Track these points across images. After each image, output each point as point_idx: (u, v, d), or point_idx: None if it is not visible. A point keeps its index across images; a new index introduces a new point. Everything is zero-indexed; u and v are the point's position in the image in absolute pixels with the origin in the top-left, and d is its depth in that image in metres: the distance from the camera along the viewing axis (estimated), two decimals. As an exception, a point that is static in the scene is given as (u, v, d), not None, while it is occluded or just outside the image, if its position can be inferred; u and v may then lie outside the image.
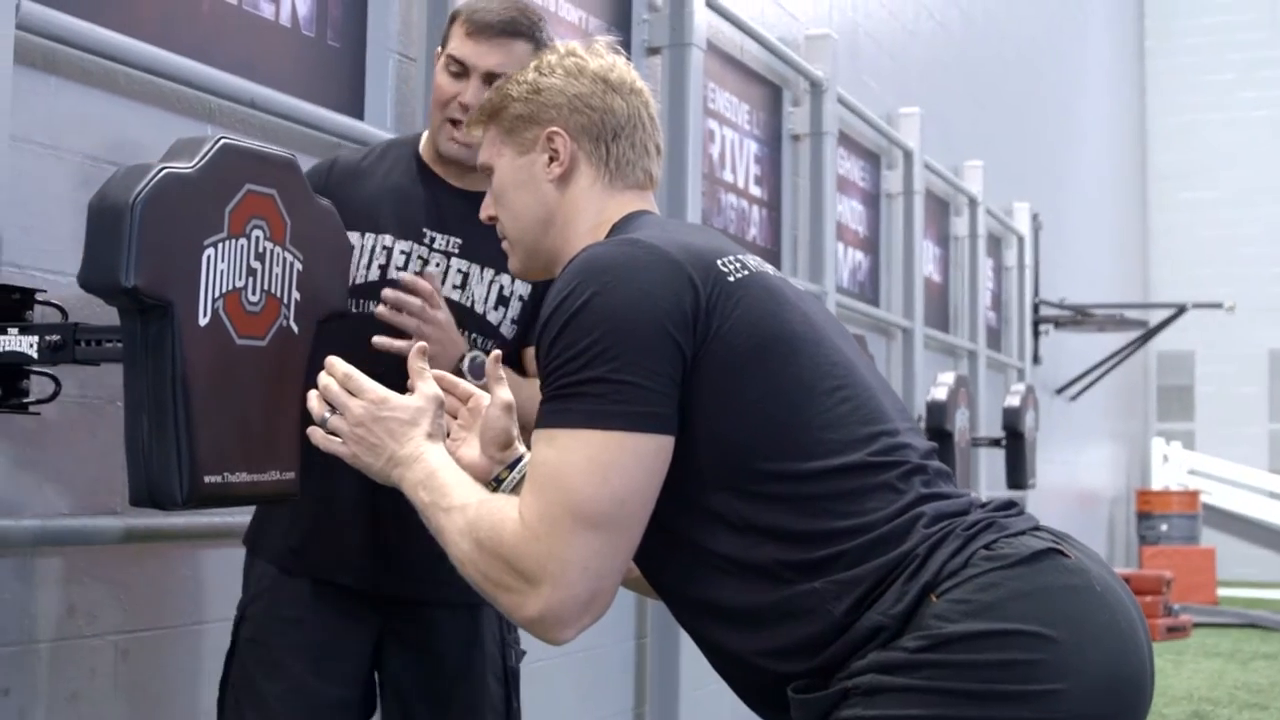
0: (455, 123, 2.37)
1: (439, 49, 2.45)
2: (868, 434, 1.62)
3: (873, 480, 1.59)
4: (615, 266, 1.60)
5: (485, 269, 2.41)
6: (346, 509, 2.35)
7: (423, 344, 1.90)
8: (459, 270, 2.41)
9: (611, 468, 1.55)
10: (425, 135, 2.50)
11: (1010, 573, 1.53)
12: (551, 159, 1.81)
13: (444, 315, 2.32)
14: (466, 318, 2.39)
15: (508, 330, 2.41)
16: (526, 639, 1.69)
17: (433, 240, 2.41)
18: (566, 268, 1.65)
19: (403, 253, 2.39)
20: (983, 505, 1.66)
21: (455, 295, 2.39)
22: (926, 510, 1.59)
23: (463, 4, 2.45)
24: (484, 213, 1.91)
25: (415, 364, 1.86)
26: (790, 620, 1.57)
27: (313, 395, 1.85)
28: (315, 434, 1.83)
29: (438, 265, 2.40)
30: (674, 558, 1.65)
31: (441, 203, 2.43)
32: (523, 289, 2.41)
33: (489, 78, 2.33)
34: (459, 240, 2.41)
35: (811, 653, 1.56)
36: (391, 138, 2.60)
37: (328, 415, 1.82)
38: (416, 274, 2.33)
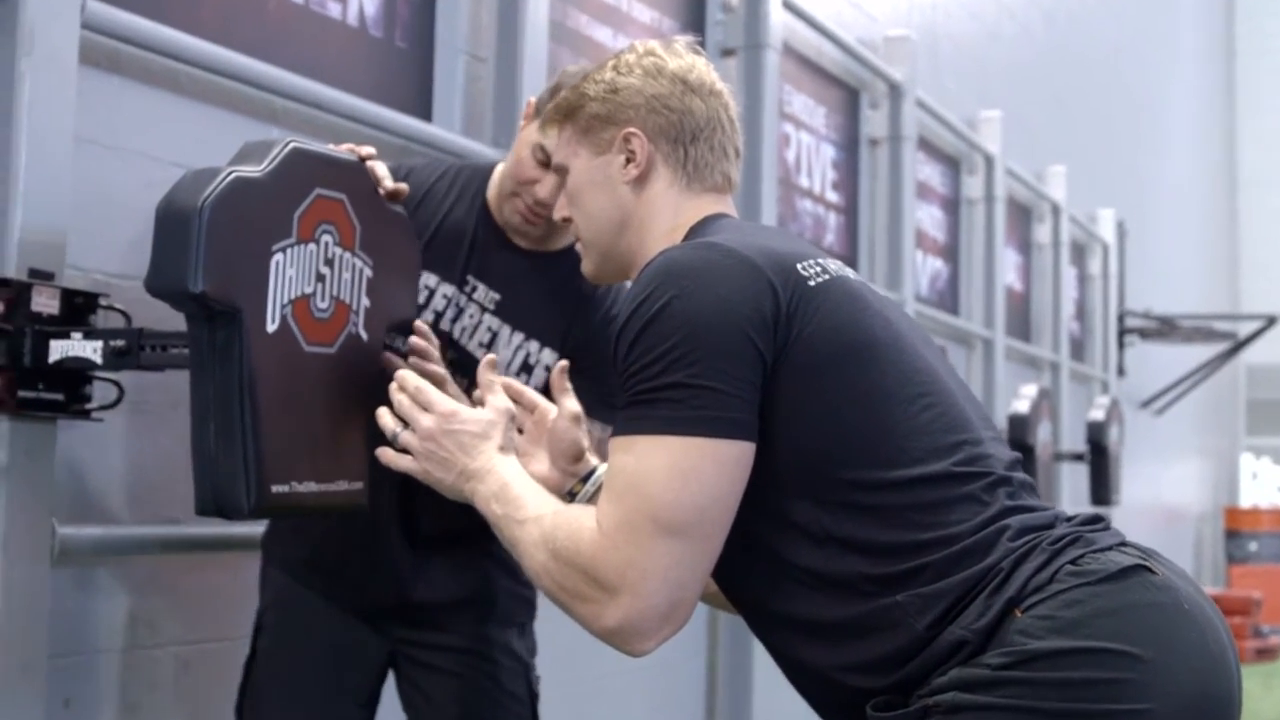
0: (528, 206, 2.29)
1: (531, 101, 2.33)
2: (951, 443, 1.59)
3: (957, 491, 1.56)
4: (694, 271, 1.57)
5: (515, 332, 2.36)
6: (353, 525, 2.30)
7: (491, 356, 1.88)
8: (489, 328, 2.35)
9: (692, 474, 1.52)
10: (497, 175, 2.38)
11: (1097, 589, 1.49)
12: (628, 160, 1.78)
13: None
14: None
15: None
16: (602, 651, 1.64)
17: (474, 289, 2.35)
18: (643, 272, 1.62)
19: (445, 297, 2.33)
20: (1069, 519, 1.63)
21: (479, 353, 2.30)
22: (1011, 523, 1.56)
23: (567, 78, 2.24)
24: (558, 213, 1.89)
25: (484, 377, 1.87)
26: (872, 634, 1.54)
27: (384, 412, 1.86)
28: (385, 453, 1.84)
29: (471, 318, 2.33)
30: (753, 570, 1.62)
31: (492, 253, 2.35)
32: (549, 358, 2.34)
33: None
34: (497, 296, 2.35)
35: (892, 668, 1.53)
36: (466, 164, 2.50)
37: (399, 431, 1.82)
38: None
